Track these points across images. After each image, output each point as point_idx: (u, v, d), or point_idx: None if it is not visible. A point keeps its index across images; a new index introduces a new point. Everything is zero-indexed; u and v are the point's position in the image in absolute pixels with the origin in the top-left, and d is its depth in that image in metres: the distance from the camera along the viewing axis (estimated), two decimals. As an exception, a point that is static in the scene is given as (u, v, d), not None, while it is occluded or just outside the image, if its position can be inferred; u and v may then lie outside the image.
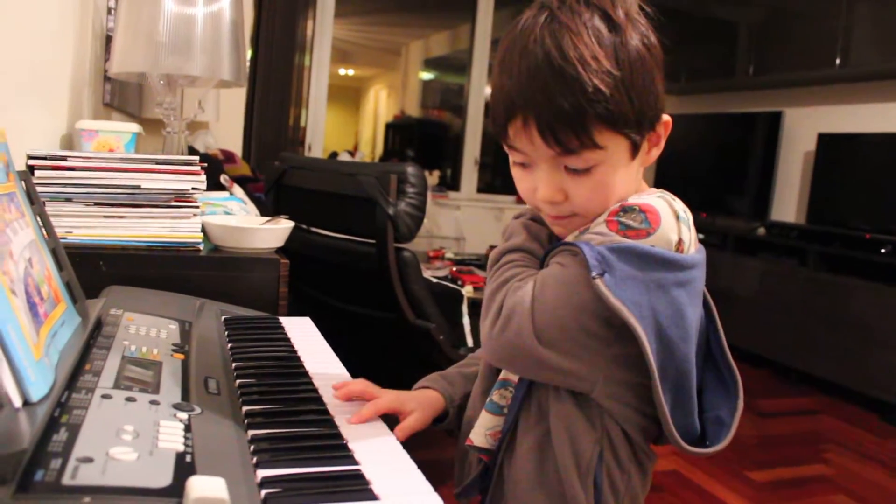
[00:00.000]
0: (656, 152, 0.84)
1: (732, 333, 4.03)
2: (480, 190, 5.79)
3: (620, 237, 0.76)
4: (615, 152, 0.78)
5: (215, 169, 2.73)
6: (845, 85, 4.21)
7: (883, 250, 3.53)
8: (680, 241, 0.78)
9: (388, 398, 0.91)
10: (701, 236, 3.88)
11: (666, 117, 0.83)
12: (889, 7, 3.65)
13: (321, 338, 1.19)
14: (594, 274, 0.73)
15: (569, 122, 0.75)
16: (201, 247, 1.32)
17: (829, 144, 4.12)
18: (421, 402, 0.96)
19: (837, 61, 3.86)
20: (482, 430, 0.90)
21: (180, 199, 1.30)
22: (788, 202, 4.48)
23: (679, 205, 0.81)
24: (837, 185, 4.05)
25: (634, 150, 0.80)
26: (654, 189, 0.86)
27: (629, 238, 0.76)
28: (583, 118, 0.75)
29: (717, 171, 4.84)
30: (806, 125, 4.38)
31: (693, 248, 0.81)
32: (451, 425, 0.98)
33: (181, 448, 0.61)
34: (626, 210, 0.78)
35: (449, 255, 4.00)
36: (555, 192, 0.81)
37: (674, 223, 0.78)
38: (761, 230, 4.33)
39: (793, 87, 4.50)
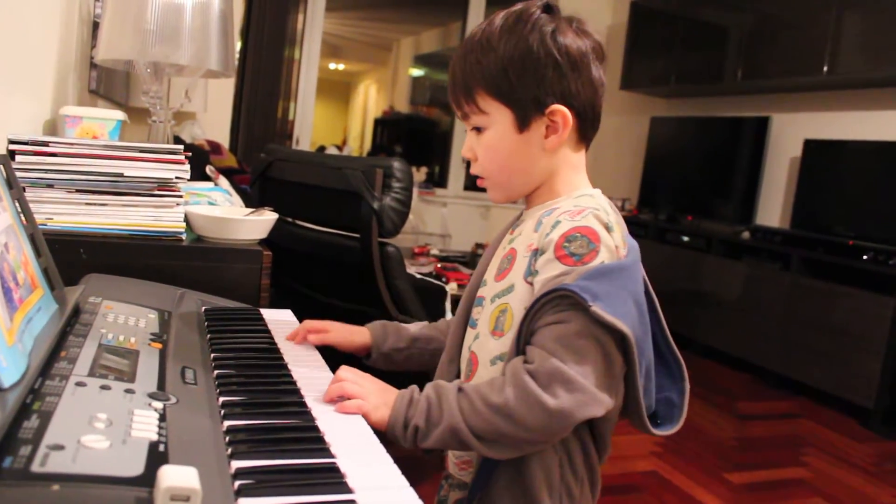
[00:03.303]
0: (555, 140, 0.91)
1: (715, 336, 4.03)
2: (467, 187, 5.78)
3: (580, 266, 0.82)
4: (499, 119, 0.91)
5: (201, 160, 2.72)
6: (832, 92, 4.24)
7: (865, 257, 3.56)
8: (617, 248, 0.85)
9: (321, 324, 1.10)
10: (685, 239, 3.85)
11: (562, 108, 0.89)
12: (877, 16, 3.68)
13: (302, 331, 1.19)
14: (589, 304, 0.78)
15: (462, 86, 0.92)
16: (184, 236, 1.31)
17: (815, 150, 4.14)
18: (351, 331, 1.11)
19: (825, 68, 3.89)
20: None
21: (163, 188, 1.29)
22: (773, 207, 4.51)
23: (605, 215, 0.86)
24: (822, 191, 4.08)
25: (520, 124, 0.90)
26: (583, 186, 0.94)
27: (586, 263, 0.82)
28: (469, 83, 0.92)
29: (704, 174, 4.86)
30: (792, 131, 4.40)
31: (624, 248, 0.87)
32: (376, 363, 1.11)
33: (155, 437, 0.60)
34: (569, 240, 0.83)
35: (434, 251, 4.00)
36: (467, 150, 0.96)
37: (607, 234, 0.84)
38: (746, 234, 4.35)
39: (780, 92, 4.53)
